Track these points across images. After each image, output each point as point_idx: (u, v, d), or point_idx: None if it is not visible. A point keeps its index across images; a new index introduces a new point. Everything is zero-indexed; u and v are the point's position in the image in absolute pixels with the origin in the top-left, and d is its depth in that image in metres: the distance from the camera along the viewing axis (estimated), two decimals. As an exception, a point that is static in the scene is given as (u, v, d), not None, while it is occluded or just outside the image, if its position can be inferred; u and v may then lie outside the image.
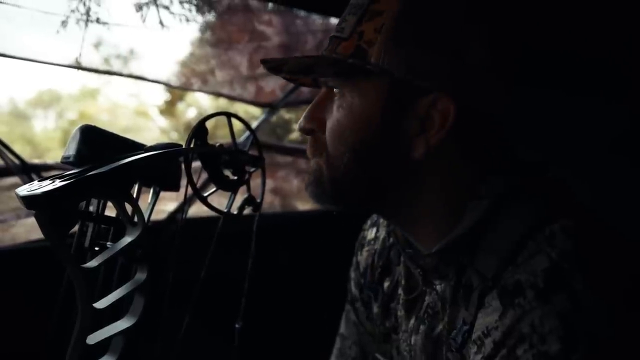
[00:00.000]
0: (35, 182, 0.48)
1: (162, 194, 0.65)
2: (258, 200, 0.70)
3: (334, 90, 0.61)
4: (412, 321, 0.67)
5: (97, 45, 1.46)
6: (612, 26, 1.12)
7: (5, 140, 1.32)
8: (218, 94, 1.78)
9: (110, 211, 0.57)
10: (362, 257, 0.82)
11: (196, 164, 0.64)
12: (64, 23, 1.30)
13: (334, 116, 0.60)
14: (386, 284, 0.75)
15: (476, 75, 0.54)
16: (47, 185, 0.46)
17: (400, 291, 0.71)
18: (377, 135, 0.57)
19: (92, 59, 1.43)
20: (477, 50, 0.53)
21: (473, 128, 0.57)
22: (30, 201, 0.45)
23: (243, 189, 0.68)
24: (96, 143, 0.56)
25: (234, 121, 0.66)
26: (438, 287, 0.62)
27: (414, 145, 0.57)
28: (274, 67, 0.62)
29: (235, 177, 0.66)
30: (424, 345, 0.64)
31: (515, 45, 0.57)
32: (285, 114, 2.19)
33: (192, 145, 0.60)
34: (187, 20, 1.51)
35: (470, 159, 0.58)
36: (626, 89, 1.26)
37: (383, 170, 0.59)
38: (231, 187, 0.66)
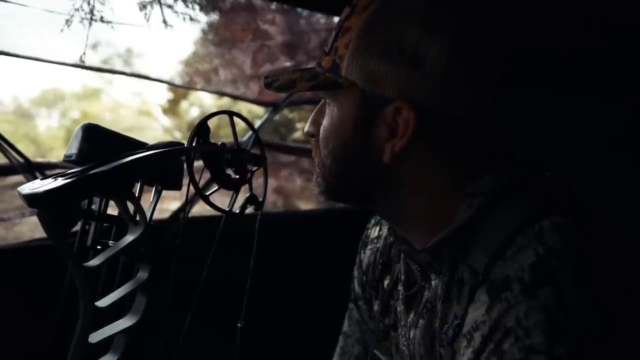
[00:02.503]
0: (38, 181, 0.48)
1: (164, 192, 0.65)
2: (260, 199, 0.70)
3: (326, 101, 0.66)
4: (412, 316, 0.68)
5: (100, 44, 1.46)
6: (608, 23, 1.12)
7: (10, 138, 1.33)
8: (221, 93, 1.78)
9: (113, 210, 0.57)
10: (365, 255, 0.82)
11: (198, 163, 0.64)
12: (68, 22, 1.31)
13: (323, 124, 0.66)
14: (386, 282, 0.76)
15: (437, 83, 0.56)
16: (49, 184, 0.46)
17: (400, 287, 0.72)
18: (350, 141, 0.63)
19: (95, 58, 1.44)
20: (435, 58, 0.56)
21: (445, 132, 0.60)
22: (32, 199, 0.45)
23: (245, 188, 0.68)
24: (98, 141, 0.56)
25: (237, 120, 0.66)
26: (433, 283, 0.64)
27: (383, 150, 0.60)
28: (268, 83, 0.68)
29: (238, 176, 0.66)
30: (423, 339, 0.65)
31: (480, 50, 0.58)
32: (289, 114, 2.19)
33: (194, 144, 0.60)
34: (191, 19, 1.51)
35: (451, 160, 0.60)
36: (630, 88, 1.25)
37: (360, 172, 0.64)
38: (233, 186, 0.66)
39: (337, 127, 0.63)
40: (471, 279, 0.55)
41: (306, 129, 0.70)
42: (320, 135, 0.66)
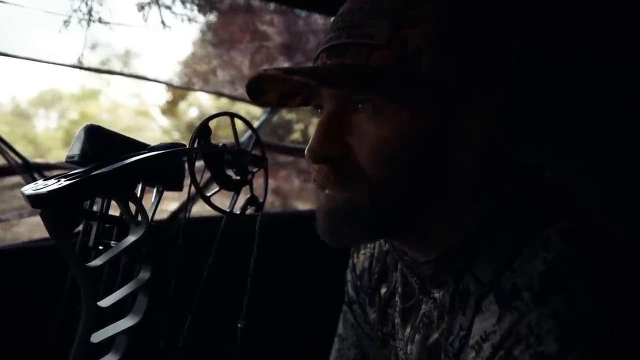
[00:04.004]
0: (41, 182, 0.49)
1: (166, 193, 0.65)
2: (261, 200, 0.70)
3: (357, 106, 0.54)
4: (408, 330, 0.67)
5: (99, 45, 1.47)
6: (620, 27, 1.12)
7: (8, 139, 1.33)
8: (220, 94, 1.78)
9: (114, 210, 0.57)
10: (359, 260, 0.81)
11: (199, 164, 0.65)
12: (66, 23, 1.31)
13: (377, 135, 0.52)
14: (383, 290, 0.74)
15: (512, 82, 0.55)
16: (52, 185, 0.46)
17: (397, 299, 0.70)
18: (427, 149, 0.53)
19: (94, 58, 1.44)
20: (512, 54, 0.54)
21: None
22: (35, 200, 0.45)
23: (246, 188, 0.69)
24: (100, 143, 0.56)
25: (236, 121, 0.67)
26: (436, 295, 0.61)
27: (459, 155, 0.55)
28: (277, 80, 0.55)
29: (238, 177, 0.66)
30: (419, 354, 0.64)
31: (506, 49, 0.57)
32: (286, 114, 2.19)
33: (195, 145, 0.60)
34: (189, 20, 1.51)
35: (478, 165, 0.57)
36: (634, 89, 1.26)
37: (431, 187, 0.55)
38: (234, 187, 0.66)
39: (408, 134, 0.52)
40: (477, 289, 0.54)
41: (321, 151, 0.54)
42: (375, 152, 0.53)
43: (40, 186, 0.47)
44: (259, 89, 0.59)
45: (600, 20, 1.09)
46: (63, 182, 0.46)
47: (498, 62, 0.55)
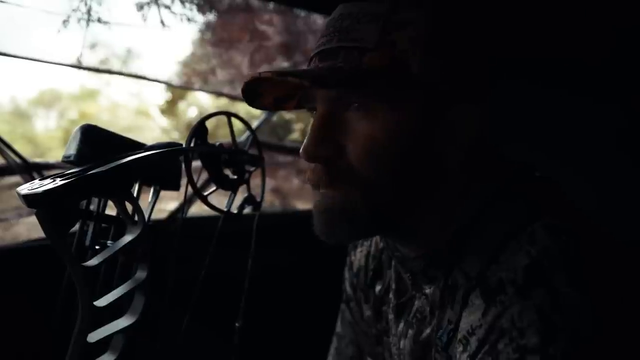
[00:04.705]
0: (36, 181, 0.49)
1: (163, 193, 0.65)
2: (258, 200, 0.71)
3: (350, 106, 0.55)
4: (401, 325, 0.67)
5: (98, 44, 1.47)
6: (616, 28, 1.13)
7: (7, 139, 1.33)
8: (219, 93, 1.78)
9: (111, 210, 0.57)
10: (356, 257, 0.81)
11: (196, 163, 0.65)
12: (65, 22, 1.31)
13: (367, 135, 0.54)
14: (378, 287, 0.75)
15: (502, 81, 0.56)
16: (48, 184, 0.46)
17: (391, 295, 0.71)
18: (415, 149, 0.54)
19: (93, 58, 1.44)
20: (500, 56, 0.55)
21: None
22: (31, 200, 0.45)
23: (243, 188, 0.69)
24: (97, 142, 0.56)
25: (235, 121, 0.67)
26: (428, 291, 0.62)
27: (447, 155, 0.56)
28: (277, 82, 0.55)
29: (236, 177, 0.66)
30: (412, 349, 0.64)
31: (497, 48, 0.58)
32: (286, 114, 2.19)
33: (192, 145, 0.60)
34: (188, 19, 1.52)
35: (466, 164, 0.58)
36: (628, 88, 1.26)
37: (420, 185, 0.56)
38: (231, 187, 0.66)
39: (396, 135, 0.53)
40: (465, 283, 0.55)
41: (315, 151, 0.55)
42: (366, 152, 0.54)
43: (35, 186, 0.47)
44: (254, 92, 0.59)
45: (586, 24, 1.09)
46: (58, 182, 0.46)
47: (484, 64, 0.56)
